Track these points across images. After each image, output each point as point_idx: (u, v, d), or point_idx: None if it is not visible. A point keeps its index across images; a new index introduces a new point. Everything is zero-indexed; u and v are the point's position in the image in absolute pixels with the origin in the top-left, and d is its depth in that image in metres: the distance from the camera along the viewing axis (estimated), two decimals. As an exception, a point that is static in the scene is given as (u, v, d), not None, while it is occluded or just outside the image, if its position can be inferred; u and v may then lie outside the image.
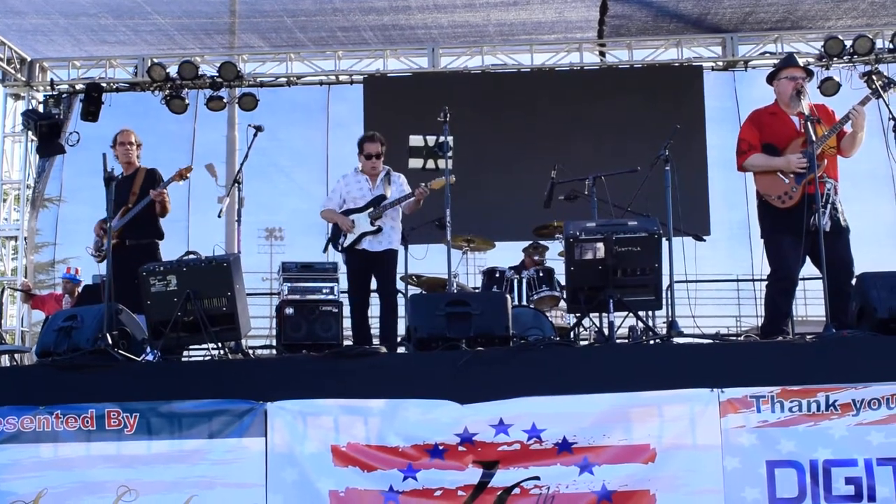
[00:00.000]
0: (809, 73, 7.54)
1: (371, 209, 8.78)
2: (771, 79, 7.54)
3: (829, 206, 7.09)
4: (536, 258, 10.76)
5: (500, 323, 6.57)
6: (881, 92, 7.09)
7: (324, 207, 9.10)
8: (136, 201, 8.72)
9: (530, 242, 10.81)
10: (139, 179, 8.85)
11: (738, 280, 14.47)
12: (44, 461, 6.01)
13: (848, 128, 7.19)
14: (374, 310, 9.25)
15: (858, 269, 7.10)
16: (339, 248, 8.91)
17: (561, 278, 9.84)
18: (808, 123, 6.84)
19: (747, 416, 5.77)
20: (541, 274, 10.12)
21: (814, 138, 6.84)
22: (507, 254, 11.55)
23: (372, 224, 8.76)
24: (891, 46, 12.41)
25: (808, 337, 6.68)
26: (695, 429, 5.78)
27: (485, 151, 12.35)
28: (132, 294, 7.27)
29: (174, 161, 9.53)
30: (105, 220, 8.67)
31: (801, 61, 7.70)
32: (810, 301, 13.14)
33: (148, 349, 6.92)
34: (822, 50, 12.44)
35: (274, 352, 10.44)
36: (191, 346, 7.52)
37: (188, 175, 8.74)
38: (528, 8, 12.12)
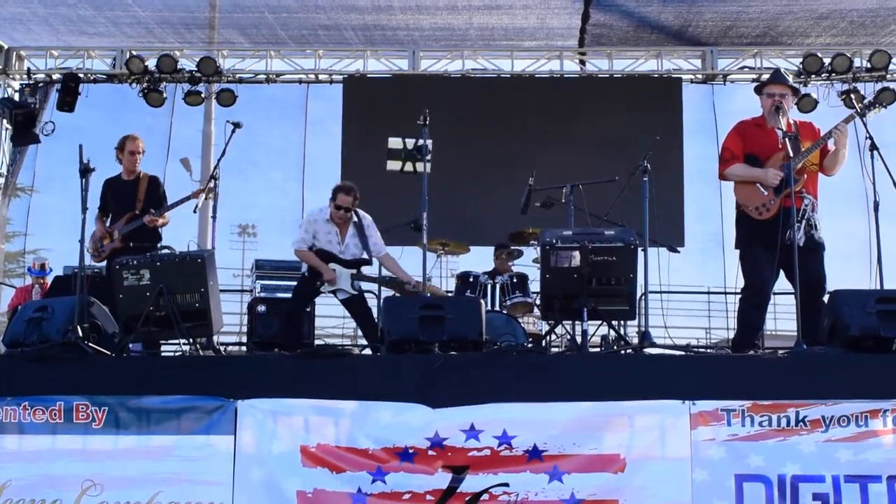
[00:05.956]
0: (795, 91, 7.57)
1: (354, 271, 8.80)
2: (758, 91, 7.58)
3: (804, 221, 7.13)
4: (504, 258, 10.73)
5: (474, 328, 6.55)
6: (863, 112, 7.13)
7: (299, 246, 8.85)
8: (141, 208, 8.80)
9: (501, 244, 10.79)
10: (143, 186, 8.92)
11: (709, 292, 14.55)
12: (8, 453, 5.95)
13: (831, 145, 7.23)
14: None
15: (831, 285, 7.15)
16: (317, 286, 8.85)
17: (534, 285, 9.85)
18: (787, 140, 6.87)
19: (717, 429, 5.78)
20: (514, 280, 10.14)
21: (791, 154, 6.87)
22: (480, 258, 11.55)
23: (352, 287, 8.78)
24: (868, 66, 12.47)
25: (780, 352, 6.71)
26: (665, 440, 5.80)
27: (462, 155, 12.34)
28: None
29: (150, 154, 9.47)
30: (102, 218, 8.77)
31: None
32: (780, 315, 13.23)
33: None
34: (801, 66, 12.52)
35: (244, 349, 10.42)
36: (161, 342, 7.47)
37: (210, 195, 8.72)
38: (511, 12, 12.12)
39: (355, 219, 8.91)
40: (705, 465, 5.75)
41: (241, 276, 17.57)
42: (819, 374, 6.04)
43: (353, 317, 9.15)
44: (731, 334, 10.07)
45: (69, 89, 12.85)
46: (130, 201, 8.85)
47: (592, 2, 11.64)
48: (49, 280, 11.37)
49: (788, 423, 5.77)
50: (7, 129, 13.19)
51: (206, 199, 8.79)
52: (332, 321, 11.44)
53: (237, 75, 13.30)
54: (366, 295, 9.13)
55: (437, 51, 13.24)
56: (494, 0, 11.77)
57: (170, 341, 7.34)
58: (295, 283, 9.35)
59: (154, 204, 8.87)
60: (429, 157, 8.08)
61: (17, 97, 13.31)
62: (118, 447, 5.93)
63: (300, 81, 13.61)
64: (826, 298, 6.90)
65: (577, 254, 6.67)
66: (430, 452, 5.85)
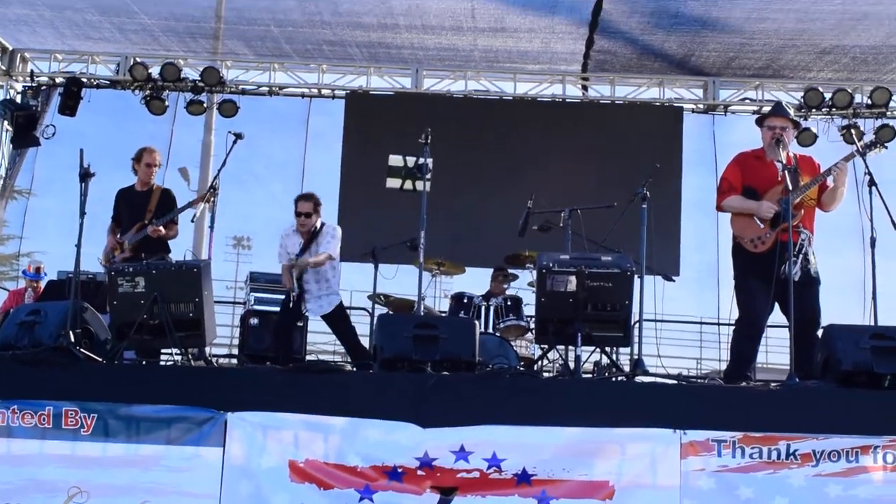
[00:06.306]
0: (796, 124, 7.58)
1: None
2: (759, 123, 7.59)
3: (801, 255, 7.12)
4: (501, 279, 10.71)
5: (467, 349, 6.56)
6: (863, 151, 7.14)
7: (279, 261, 9.11)
8: (151, 219, 8.82)
9: (500, 266, 10.77)
10: (155, 198, 8.96)
11: (702, 322, 14.53)
12: (-4, 455, 5.94)
13: (830, 181, 7.24)
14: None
15: (825, 320, 7.14)
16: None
17: (528, 308, 9.85)
18: (787, 173, 6.88)
19: (708, 459, 5.78)
20: (508, 303, 10.12)
21: (790, 187, 6.88)
22: (474, 279, 11.54)
23: (297, 285, 8.78)
24: (869, 102, 12.53)
25: (773, 385, 6.70)
26: (655, 469, 5.79)
27: (462, 176, 12.36)
28: None
29: (149, 161, 9.46)
30: (115, 229, 8.81)
31: (780, 110, 7.72)
32: (772, 349, 13.19)
33: None
34: (802, 100, 12.56)
35: (235, 361, 10.40)
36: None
37: (210, 200, 8.71)
38: (515, 35, 12.16)
39: (317, 227, 8.93)
40: (694, 496, 5.74)
41: (234, 289, 17.56)
42: (811, 408, 6.04)
43: (334, 333, 9.15)
44: (723, 365, 10.08)
45: (71, 93, 12.83)
46: (142, 212, 8.88)
47: (597, 28, 11.68)
48: (43, 284, 11.34)
49: (779, 456, 5.77)
50: (7, 130, 13.19)
51: (204, 208, 8.80)
52: (323, 337, 11.40)
53: (240, 86, 13.29)
54: (356, 313, 9.14)
55: (441, 70, 13.26)
56: (500, 23, 11.81)
57: (162, 350, 7.33)
58: (288, 297, 9.37)
59: (164, 216, 8.89)
60: (429, 176, 8.09)
61: (19, 99, 13.29)
62: (106, 455, 5.91)
63: (303, 95, 13.59)
64: (820, 333, 6.90)
65: (573, 278, 6.68)
66: (419, 472, 5.83)
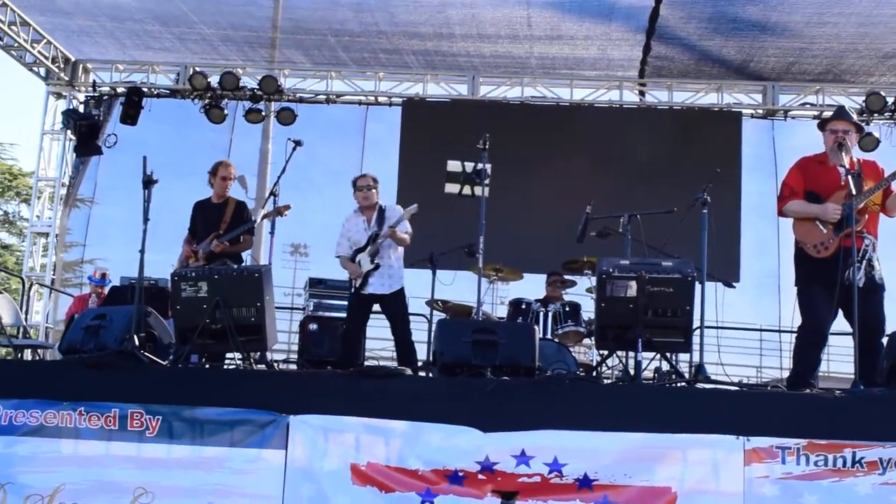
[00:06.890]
0: (859, 129, 7.48)
1: (369, 247, 8.75)
2: (821, 128, 7.50)
3: (864, 261, 7.02)
4: (558, 285, 10.68)
5: (527, 354, 6.57)
6: None
7: (337, 255, 8.99)
8: (226, 230, 9.02)
9: (556, 272, 10.73)
10: (230, 209, 9.16)
11: (762, 329, 14.35)
12: (63, 457, 6.04)
13: (894, 186, 7.13)
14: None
15: (890, 327, 7.04)
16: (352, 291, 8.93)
17: (587, 314, 9.81)
18: (850, 177, 6.79)
19: (772, 466, 5.73)
20: (567, 308, 10.08)
21: (853, 192, 6.79)
22: (530, 286, 11.48)
23: (371, 262, 8.69)
24: (932, 107, 12.37)
25: (837, 392, 6.61)
26: (718, 475, 5.74)
27: (519, 181, 12.33)
28: None
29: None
30: (191, 240, 8.94)
31: (842, 115, 7.63)
32: (833, 357, 13.01)
33: None
34: (864, 105, 12.40)
35: (295, 366, 10.46)
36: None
37: (286, 213, 8.93)
38: (572, 43, 12.16)
39: (382, 205, 8.89)
40: (758, 503, 5.68)
41: (291, 295, 17.62)
42: (877, 415, 5.95)
43: (388, 319, 9.01)
44: (784, 374, 9.95)
45: (133, 103, 13.03)
46: (216, 223, 9.06)
47: (654, 34, 11.63)
48: (107, 290, 11.50)
49: (844, 464, 5.70)
50: (71, 139, 13.42)
51: (264, 217, 8.93)
52: (381, 343, 11.45)
53: (298, 94, 13.44)
54: (414, 319, 9.08)
55: (497, 77, 13.30)
56: (556, 30, 11.81)
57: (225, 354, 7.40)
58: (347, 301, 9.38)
59: (237, 227, 9.05)
60: (487, 181, 8.09)
61: (81, 109, 13.52)
62: (171, 456, 5.99)
63: (360, 103, 13.69)
64: (885, 340, 6.80)
65: (633, 283, 6.65)
66: (480, 476, 5.83)
